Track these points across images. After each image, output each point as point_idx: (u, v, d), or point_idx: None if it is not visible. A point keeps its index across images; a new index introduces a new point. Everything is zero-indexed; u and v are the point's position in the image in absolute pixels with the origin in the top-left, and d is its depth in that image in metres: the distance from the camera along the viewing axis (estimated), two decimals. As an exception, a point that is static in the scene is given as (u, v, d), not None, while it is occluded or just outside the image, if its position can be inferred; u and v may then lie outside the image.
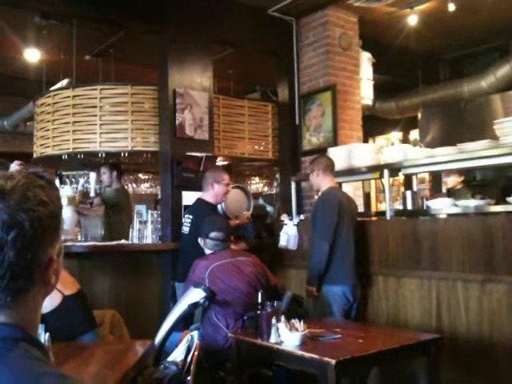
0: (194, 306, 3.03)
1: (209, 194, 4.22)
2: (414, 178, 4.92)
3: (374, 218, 4.96)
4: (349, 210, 3.75)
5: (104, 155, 5.14)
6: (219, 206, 4.76)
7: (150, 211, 4.85)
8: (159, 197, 5.63)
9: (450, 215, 3.96)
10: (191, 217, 4.21)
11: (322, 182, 3.84)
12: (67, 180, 5.64)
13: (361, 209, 5.27)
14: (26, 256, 0.87)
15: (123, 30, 5.65)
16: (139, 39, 5.76)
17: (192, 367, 2.17)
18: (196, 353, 2.22)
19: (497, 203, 3.97)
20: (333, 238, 3.60)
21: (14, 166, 3.86)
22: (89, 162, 5.75)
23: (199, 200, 4.27)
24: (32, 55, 6.38)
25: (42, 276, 0.91)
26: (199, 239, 3.52)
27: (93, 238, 5.39)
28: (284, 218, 4.58)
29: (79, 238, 5.06)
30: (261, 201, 5.85)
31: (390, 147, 6.12)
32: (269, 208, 5.75)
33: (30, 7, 4.89)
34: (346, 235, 3.68)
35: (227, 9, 5.26)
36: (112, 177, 5.58)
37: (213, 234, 3.43)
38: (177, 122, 4.78)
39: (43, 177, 0.95)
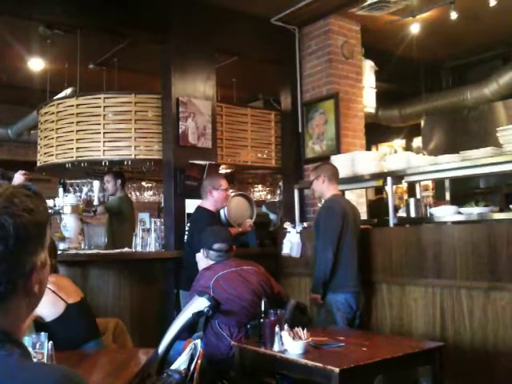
0: (198, 314, 3.02)
1: (208, 202, 4.22)
2: (417, 185, 4.92)
3: (377, 226, 4.94)
4: (352, 218, 3.75)
5: (107, 163, 5.16)
6: (222, 214, 4.77)
7: (153, 219, 4.85)
8: (162, 205, 5.63)
9: (453, 223, 3.95)
10: (189, 224, 4.24)
11: (326, 189, 3.83)
12: (71, 188, 5.64)
13: (364, 216, 5.26)
14: (7, 260, 0.87)
15: (127, 39, 5.69)
16: (143, 48, 5.80)
17: (195, 376, 2.16)
18: (199, 361, 2.21)
19: (501, 210, 3.96)
20: (336, 245, 3.60)
21: (18, 176, 3.87)
22: (92, 170, 5.77)
23: (199, 208, 4.27)
24: (36, 64, 6.41)
25: (24, 284, 0.91)
26: (201, 250, 3.49)
27: (96, 246, 5.40)
28: (287, 225, 4.58)
29: (83, 247, 5.07)
30: (264, 208, 5.84)
31: (393, 155, 6.12)
32: (272, 216, 5.74)
33: (36, 18, 4.91)
34: (350, 243, 3.67)
35: (230, 18, 5.29)
36: (116, 185, 5.60)
37: (216, 246, 3.40)
38: (180, 130, 4.79)
39: (30, 188, 0.98)
